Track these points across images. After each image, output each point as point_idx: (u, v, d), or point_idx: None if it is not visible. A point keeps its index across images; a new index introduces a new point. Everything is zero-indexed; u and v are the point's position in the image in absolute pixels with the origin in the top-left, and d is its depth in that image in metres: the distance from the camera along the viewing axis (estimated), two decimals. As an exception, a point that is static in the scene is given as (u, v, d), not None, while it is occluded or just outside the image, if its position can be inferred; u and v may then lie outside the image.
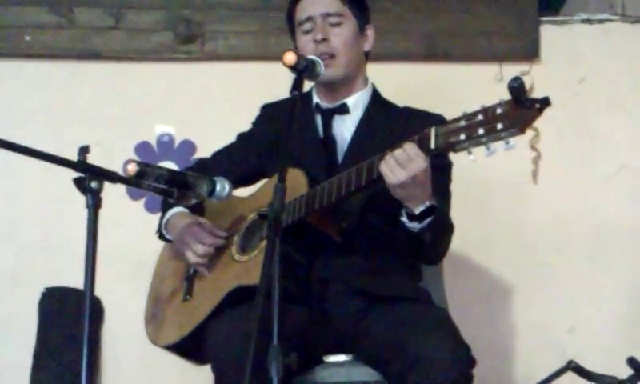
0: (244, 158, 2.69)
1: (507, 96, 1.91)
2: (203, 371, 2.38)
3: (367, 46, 2.64)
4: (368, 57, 2.66)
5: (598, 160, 3.57)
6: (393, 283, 2.42)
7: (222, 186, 2.24)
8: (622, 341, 3.40)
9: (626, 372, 2.42)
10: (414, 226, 2.22)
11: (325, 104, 2.62)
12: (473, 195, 3.35)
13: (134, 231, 3.39)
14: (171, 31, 3.56)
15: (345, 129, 2.58)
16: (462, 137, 2.00)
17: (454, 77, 3.56)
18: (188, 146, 3.54)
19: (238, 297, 2.33)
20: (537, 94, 1.96)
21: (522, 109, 1.90)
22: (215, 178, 2.24)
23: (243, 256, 2.46)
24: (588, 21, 3.64)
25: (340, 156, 2.54)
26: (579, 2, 3.94)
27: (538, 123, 1.93)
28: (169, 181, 2.15)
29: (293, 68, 2.15)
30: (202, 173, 2.33)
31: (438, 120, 2.29)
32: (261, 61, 3.49)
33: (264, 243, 2.22)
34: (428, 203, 2.20)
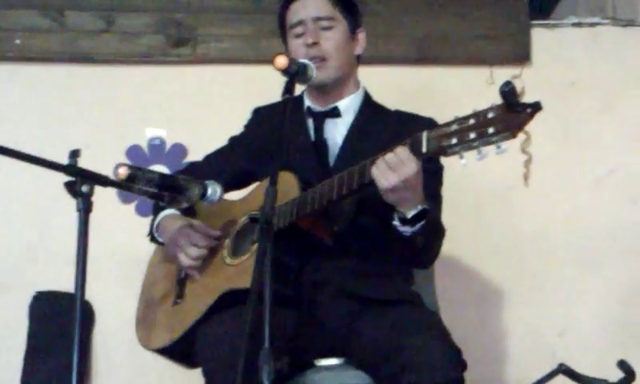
0: (235, 162, 2.69)
1: (498, 100, 1.91)
2: (194, 375, 2.38)
3: (358, 50, 2.65)
4: (359, 60, 2.66)
5: (588, 163, 3.58)
6: (384, 286, 2.42)
7: (214, 189, 2.25)
8: (613, 344, 3.40)
9: (616, 375, 2.43)
10: (406, 229, 2.22)
11: (316, 107, 2.62)
12: (464, 199, 3.36)
13: (124, 235, 3.39)
14: (162, 34, 3.56)
15: (336, 132, 2.58)
16: (454, 141, 2.00)
17: (445, 80, 3.57)
18: (179, 150, 3.54)
19: (229, 300, 2.32)
20: (528, 97, 1.96)
21: (513, 113, 1.90)
22: (206, 182, 2.24)
23: (234, 259, 2.45)
24: (579, 24, 3.65)
25: (332, 159, 2.54)
26: (570, 6, 3.96)
27: (529, 127, 1.93)
28: (160, 184, 2.15)
29: (284, 71, 2.15)
30: (193, 176, 2.33)
31: (429, 124, 2.30)
32: (252, 64, 3.49)
33: (255, 247, 2.22)
34: (420, 207, 2.20)
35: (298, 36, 2.56)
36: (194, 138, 3.48)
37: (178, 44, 3.56)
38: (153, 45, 3.55)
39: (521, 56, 3.58)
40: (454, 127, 2.01)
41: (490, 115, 1.94)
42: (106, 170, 2.07)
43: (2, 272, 3.47)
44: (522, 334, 3.50)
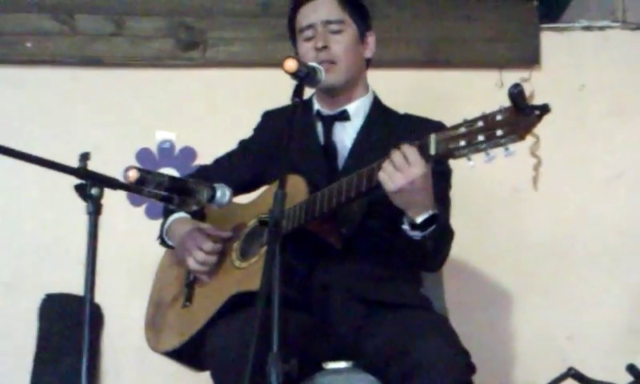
0: (245, 165, 2.70)
1: (507, 102, 1.91)
2: (202, 378, 2.38)
3: (368, 53, 2.64)
4: (369, 64, 2.66)
5: (598, 166, 3.57)
6: (393, 290, 2.41)
7: (223, 192, 2.25)
8: (622, 348, 3.39)
9: (625, 379, 2.43)
10: (416, 234, 2.21)
11: (325, 111, 2.62)
12: (473, 202, 3.36)
13: (134, 238, 3.39)
14: (172, 38, 3.57)
15: (345, 135, 2.58)
16: (462, 143, 2.00)
17: (455, 83, 3.57)
18: (189, 153, 3.55)
19: (238, 303, 2.32)
20: (537, 100, 1.96)
21: (521, 115, 1.90)
22: (216, 185, 2.25)
23: (243, 262, 2.46)
24: (588, 28, 3.65)
25: (341, 163, 2.54)
26: (580, 9, 3.94)
27: (539, 130, 1.93)
28: (169, 187, 2.15)
29: (294, 75, 2.14)
30: (202, 179, 2.33)
31: (438, 127, 2.29)
32: (262, 67, 3.50)
33: (264, 249, 2.22)
34: (430, 212, 2.19)
35: (308, 39, 2.56)
36: (204, 141, 3.49)
37: (188, 47, 3.57)
38: (163, 48, 3.56)
39: (530, 59, 3.58)
40: (463, 130, 2.00)
41: (499, 117, 1.94)
42: (116, 173, 2.08)
43: (12, 274, 3.48)
44: (531, 338, 3.49)
